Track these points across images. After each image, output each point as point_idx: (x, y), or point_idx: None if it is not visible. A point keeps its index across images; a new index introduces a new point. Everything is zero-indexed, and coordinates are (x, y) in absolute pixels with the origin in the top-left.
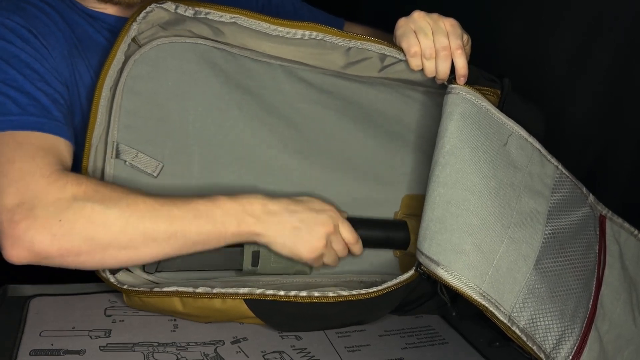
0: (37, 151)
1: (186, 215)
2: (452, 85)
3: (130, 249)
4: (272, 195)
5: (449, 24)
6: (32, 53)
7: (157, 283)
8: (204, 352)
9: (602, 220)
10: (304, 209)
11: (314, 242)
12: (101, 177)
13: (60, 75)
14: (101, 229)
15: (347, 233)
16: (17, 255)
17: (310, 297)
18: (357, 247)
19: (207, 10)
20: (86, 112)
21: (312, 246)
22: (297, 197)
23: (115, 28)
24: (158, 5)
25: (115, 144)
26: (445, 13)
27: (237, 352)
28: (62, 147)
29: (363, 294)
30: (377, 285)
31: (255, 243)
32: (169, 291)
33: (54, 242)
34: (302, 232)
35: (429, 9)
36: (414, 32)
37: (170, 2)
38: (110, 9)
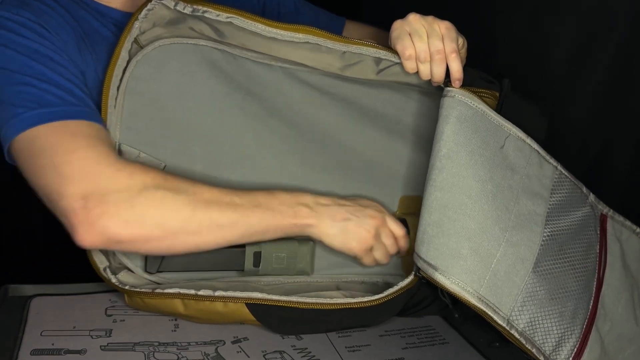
0: (93, 140)
1: (247, 204)
2: (448, 88)
3: (197, 234)
4: None
5: (444, 27)
6: (49, 46)
7: (158, 284)
8: (204, 352)
9: (603, 219)
10: (352, 203)
11: (364, 233)
12: None
13: (78, 67)
14: (172, 214)
15: (395, 226)
16: (90, 240)
17: (312, 303)
18: (404, 241)
19: (204, 8)
20: (96, 104)
21: (362, 237)
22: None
23: (120, 23)
24: (159, 1)
25: (117, 144)
26: (445, 13)
27: (237, 352)
28: (108, 135)
29: (364, 302)
30: (378, 287)
31: (307, 237)
32: (171, 293)
33: (127, 227)
34: (352, 223)
35: (428, 9)
36: (409, 34)
37: None
38: (115, 3)
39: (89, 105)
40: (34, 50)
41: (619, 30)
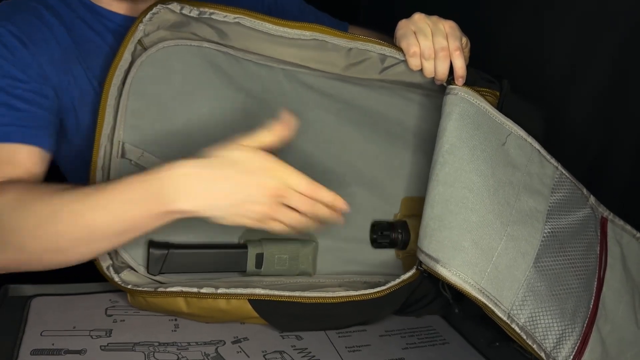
0: None
1: (94, 207)
2: (451, 86)
3: (56, 252)
4: None
5: (448, 26)
6: (14, 62)
7: (161, 283)
8: (204, 352)
9: (603, 222)
10: (234, 171)
11: (254, 213)
12: (107, 176)
13: (46, 81)
14: (21, 237)
15: (303, 182)
16: None
17: (314, 297)
18: (321, 194)
19: (211, 10)
20: (80, 115)
21: (254, 216)
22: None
23: (119, 28)
24: (164, 5)
25: (121, 143)
26: (446, 14)
27: (237, 352)
28: (24, 154)
29: (367, 294)
30: (380, 286)
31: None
32: (174, 291)
33: None
34: (238, 205)
35: (428, 10)
36: (414, 33)
37: (175, 3)
38: (117, 7)
39: (29, 124)
40: None
41: (618, 31)
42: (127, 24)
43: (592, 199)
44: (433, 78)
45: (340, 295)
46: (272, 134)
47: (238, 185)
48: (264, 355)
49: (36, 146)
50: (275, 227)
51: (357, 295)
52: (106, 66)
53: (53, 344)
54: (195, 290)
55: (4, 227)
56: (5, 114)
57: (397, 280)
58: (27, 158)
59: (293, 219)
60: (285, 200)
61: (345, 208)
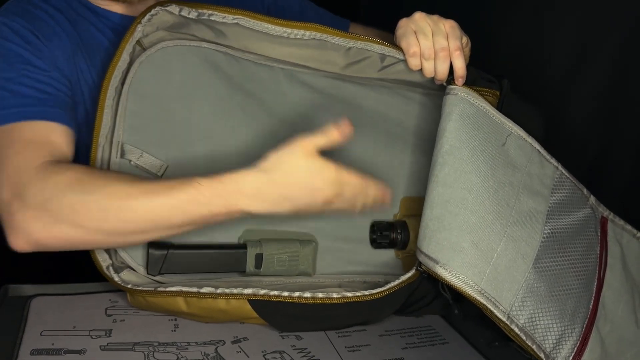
0: (27, 145)
1: (170, 202)
2: (451, 86)
3: (116, 235)
4: None
5: (448, 26)
6: (33, 51)
7: (161, 282)
8: (204, 352)
9: (603, 222)
10: (298, 190)
11: (316, 203)
12: None
13: (62, 72)
14: (84, 217)
15: (356, 182)
16: (19, 245)
17: (314, 298)
18: (375, 189)
19: (210, 11)
20: (90, 110)
21: (314, 206)
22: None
23: (119, 27)
24: (162, 8)
25: (120, 144)
26: (446, 14)
27: (237, 352)
28: (57, 133)
29: (366, 295)
30: (380, 286)
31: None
32: (173, 291)
33: (47, 231)
34: (296, 211)
35: (428, 9)
36: (414, 32)
37: (174, 5)
38: (116, 7)
39: (49, 104)
40: (17, 54)
41: (618, 31)
42: (125, 23)
43: (592, 198)
44: (433, 77)
45: (340, 296)
46: (329, 138)
47: (300, 193)
48: (263, 355)
49: (67, 126)
50: (331, 211)
51: (356, 296)
52: (107, 63)
53: (53, 344)
54: (195, 290)
55: (62, 205)
56: (34, 96)
57: (397, 281)
58: (61, 137)
59: (345, 207)
60: (340, 197)
61: (389, 199)
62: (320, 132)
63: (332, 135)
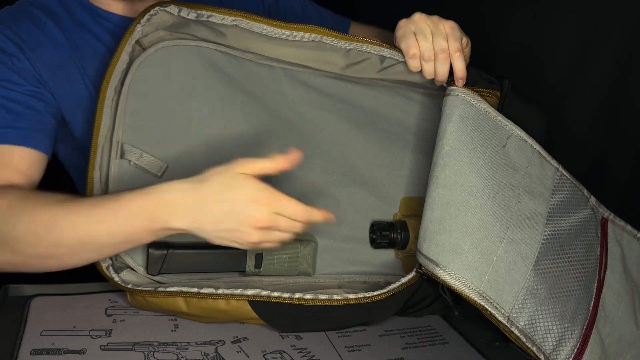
0: None
1: (93, 220)
2: (451, 87)
3: (53, 259)
4: None
5: (448, 27)
6: (11, 66)
7: (161, 283)
8: (204, 352)
9: (603, 223)
10: (225, 205)
11: (246, 242)
12: (106, 177)
13: (43, 84)
14: (18, 243)
15: (293, 209)
16: None
17: (314, 299)
18: (315, 216)
19: (209, 13)
20: (78, 119)
21: (244, 244)
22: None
23: (119, 29)
24: (161, 8)
25: (120, 144)
26: (445, 14)
27: (237, 352)
28: (19, 156)
29: (366, 297)
30: (380, 286)
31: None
32: (173, 291)
33: None
34: (231, 232)
35: (427, 9)
36: (414, 33)
37: (173, 6)
38: (115, 8)
39: (27, 125)
40: None
41: (618, 31)
42: (125, 24)
43: (592, 199)
44: (433, 79)
45: (340, 298)
46: (274, 164)
47: (228, 213)
48: (263, 355)
49: (32, 148)
50: (265, 247)
51: (356, 298)
52: (103, 70)
53: (53, 344)
54: (195, 290)
55: (2, 231)
56: (1, 117)
57: (397, 284)
58: (23, 160)
59: (282, 238)
60: (274, 227)
61: (333, 219)
62: (266, 158)
63: (278, 162)
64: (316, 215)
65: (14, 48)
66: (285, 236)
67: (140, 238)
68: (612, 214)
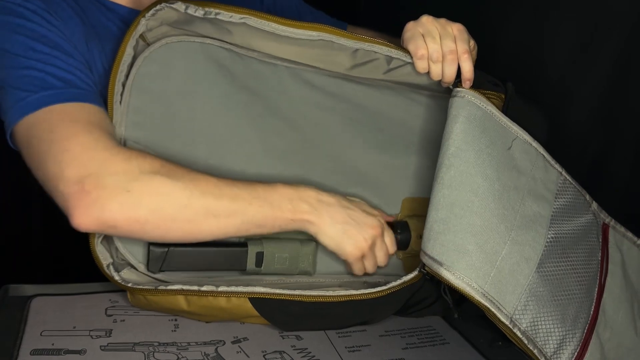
0: (91, 125)
1: (246, 195)
2: (458, 89)
3: (193, 222)
4: None
5: (456, 29)
6: (57, 33)
7: (162, 281)
8: (204, 352)
9: (604, 228)
10: (356, 207)
11: (361, 240)
12: None
13: (83, 56)
14: (167, 201)
15: (390, 241)
16: (86, 223)
17: (314, 296)
18: (387, 258)
19: (217, 10)
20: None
21: (358, 244)
22: (349, 197)
23: (127, 20)
24: (168, 5)
25: (122, 140)
26: (445, 14)
27: (237, 352)
28: (108, 119)
29: (367, 293)
30: (380, 286)
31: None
32: (174, 289)
33: (122, 211)
34: (351, 228)
35: (428, 10)
36: (422, 35)
37: (180, 2)
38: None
39: (92, 89)
40: (42, 35)
41: (618, 31)
42: (132, 17)
43: (594, 205)
44: (439, 80)
45: (340, 294)
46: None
47: (353, 217)
48: (263, 355)
49: (107, 113)
50: (359, 266)
51: (357, 294)
52: (116, 51)
53: (53, 344)
54: (195, 288)
55: (146, 187)
56: (72, 80)
57: (399, 281)
58: (109, 122)
59: (373, 264)
60: (375, 247)
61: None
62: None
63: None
64: (387, 259)
65: (52, 17)
66: (374, 263)
67: (278, 226)
68: (613, 220)
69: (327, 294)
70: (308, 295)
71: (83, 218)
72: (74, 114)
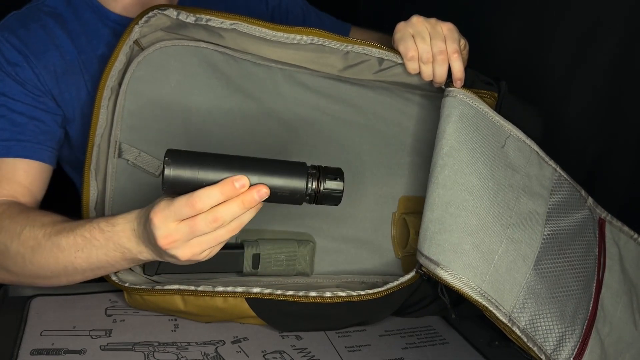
0: None
1: (71, 247)
2: (450, 88)
3: (40, 279)
4: None
5: (446, 29)
6: (15, 76)
7: (158, 282)
8: (204, 352)
9: (601, 224)
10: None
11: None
12: (104, 176)
13: (47, 93)
14: (8, 262)
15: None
16: None
17: (311, 297)
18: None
19: (207, 17)
20: (82, 125)
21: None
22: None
23: (120, 27)
24: (160, 11)
25: (117, 143)
26: (443, 15)
27: (237, 352)
28: (21, 169)
29: (364, 294)
30: (378, 287)
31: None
32: (171, 289)
33: None
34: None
35: (424, 11)
36: (412, 36)
37: (172, 9)
38: (116, 7)
39: (29, 137)
40: None
41: (618, 32)
42: (125, 23)
43: (590, 200)
44: (431, 81)
45: (338, 295)
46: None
47: (151, 243)
48: (263, 355)
49: (37, 160)
50: (203, 256)
51: (355, 295)
52: (108, 56)
53: (53, 344)
54: (192, 288)
55: None
56: (5, 129)
57: (396, 282)
58: (27, 173)
59: (208, 241)
60: (189, 234)
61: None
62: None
63: None
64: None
65: (19, 57)
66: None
67: (120, 265)
68: (609, 214)
69: (324, 295)
70: (305, 296)
71: None
72: None
